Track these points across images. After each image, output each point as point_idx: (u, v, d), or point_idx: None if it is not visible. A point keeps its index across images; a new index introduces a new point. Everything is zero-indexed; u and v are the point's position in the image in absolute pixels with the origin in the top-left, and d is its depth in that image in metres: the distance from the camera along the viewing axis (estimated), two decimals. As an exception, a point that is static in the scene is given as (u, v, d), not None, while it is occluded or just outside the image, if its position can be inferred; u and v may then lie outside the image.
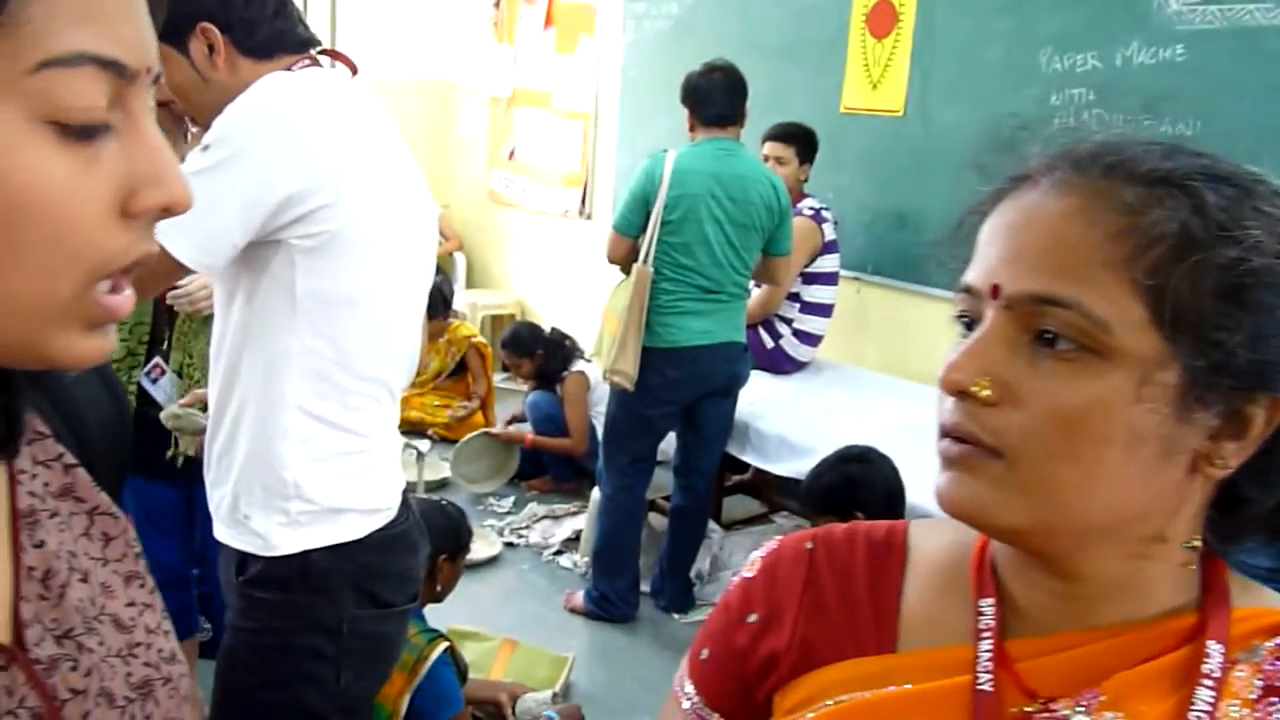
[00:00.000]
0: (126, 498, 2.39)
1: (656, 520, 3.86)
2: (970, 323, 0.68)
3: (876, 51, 4.12)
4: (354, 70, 1.62)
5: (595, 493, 3.78)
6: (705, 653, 0.83)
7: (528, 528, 4.26)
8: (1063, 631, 0.69)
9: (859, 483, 2.62)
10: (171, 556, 2.39)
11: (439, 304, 5.17)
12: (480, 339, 5.43)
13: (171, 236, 1.34)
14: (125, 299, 0.53)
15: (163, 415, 1.87)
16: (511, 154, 6.35)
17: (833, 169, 4.16)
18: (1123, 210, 0.63)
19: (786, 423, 3.61)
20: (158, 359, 2.18)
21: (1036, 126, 0.72)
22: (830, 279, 3.96)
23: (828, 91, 4.29)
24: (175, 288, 2.04)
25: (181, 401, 1.84)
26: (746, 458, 3.71)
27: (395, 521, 1.65)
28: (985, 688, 0.68)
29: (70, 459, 0.65)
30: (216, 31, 1.48)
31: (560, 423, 4.61)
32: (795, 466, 3.42)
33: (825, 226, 3.87)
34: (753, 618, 0.80)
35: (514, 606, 3.68)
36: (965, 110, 3.83)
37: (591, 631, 3.54)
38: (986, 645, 0.70)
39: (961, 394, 0.65)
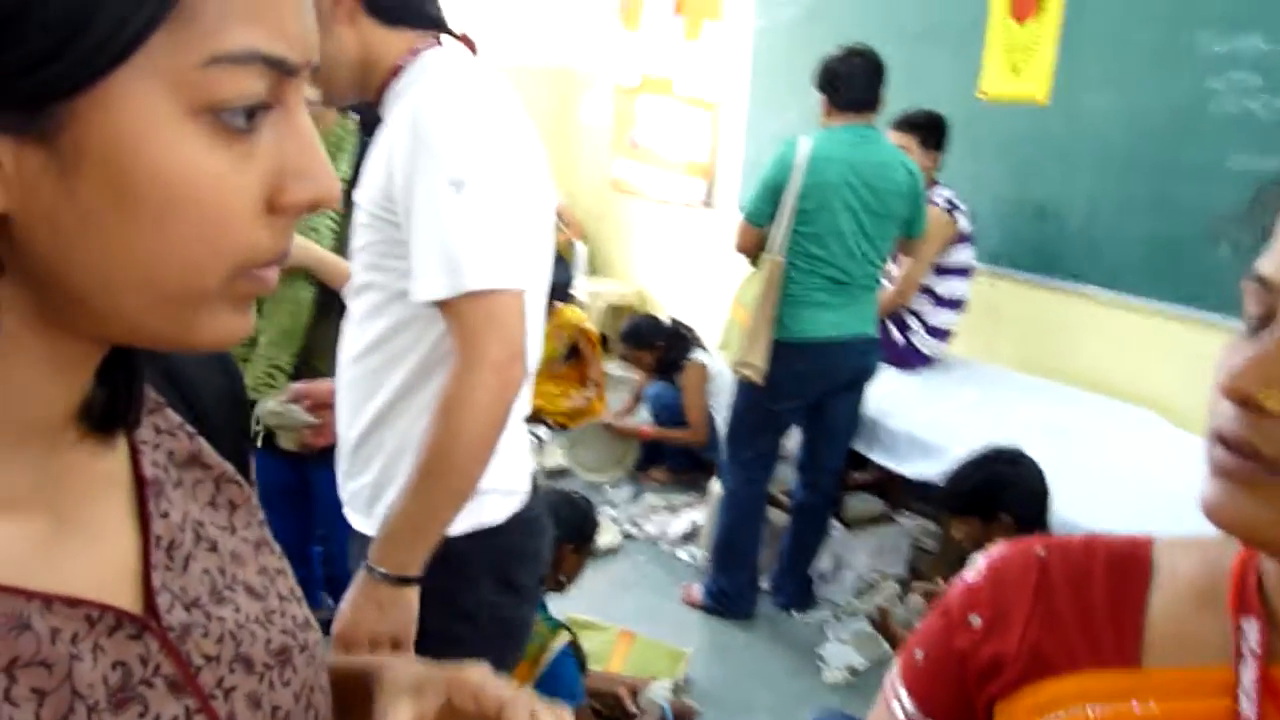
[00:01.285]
0: (259, 476, 2.39)
1: (777, 516, 3.79)
2: (1261, 318, 0.60)
3: (1019, 35, 3.94)
4: (474, 52, 1.61)
5: (715, 486, 3.73)
6: (920, 655, 0.79)
7: (645, 519, 4.23)
8: None
9: (1007, 483, 2.49)
10: (288, 534, 2.41)
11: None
12: (587, 324, 5.40)
13: (491, 274, 1.37)
14: (270, 274, 0.53)
15: (262, 411, 1.88)
16: (634, 142, 6.33)
17: (969, 158, 4.01)
18: None
19: (916, 421, 3.49)
20: None
21: None
22: (963, 272, 3.82)
23: (966, 77, 4.13)
24: None
25: (281, 398, 1.84)
26: (874, 456, 3.60)
27: (528, 505, 1.64)
28: (1248, 714, 0.62)
29: (190, 427, 0.64)
30: None
31: (680, 413, 4.56)
32: (924, 468, 3.31)
33: (959, 217, 3.73)
34: (976, 620, 0.76)
35: (631, 598, 3.66)
36: (1115, 97, 3.63)
37: (709, 626, 3.49)
38: (1250, 669, 0.63)
39: (1245, 403, 0.58)
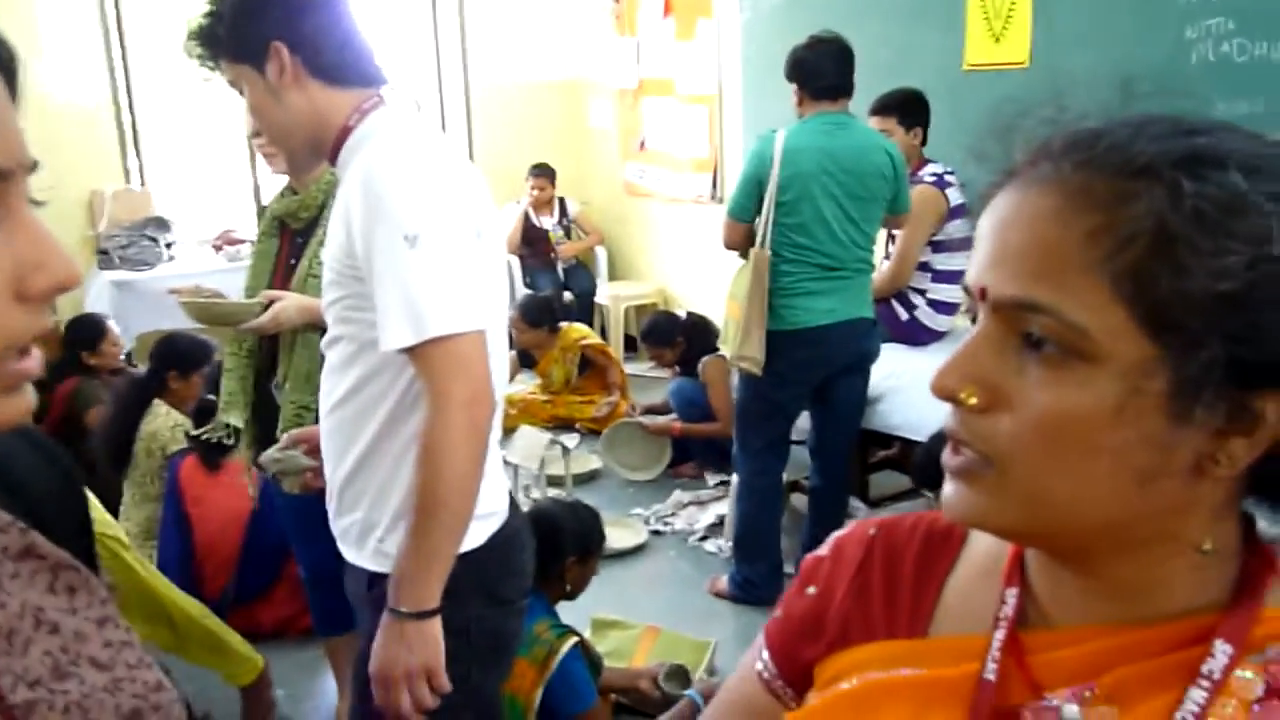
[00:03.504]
0: (281, 504, 2.47)
1: (799, 501, 3.84)
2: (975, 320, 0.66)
3: (997, 3, 3.95)
4: (418, 108, 1.70)
5: (734, 477, 3.79)
6: (779, 615, 0.86)
7: (674, 514, 4.31)
8: (1079, 625, 0.67)
9: None
10: (313, 558, 2.54)
11: (546, 314, 5.27)
12: (590, 339, 5.46)
13: (451, 319, 1.46)
14: (32, 361, 0.59)
15: (263, 459, 1.96)
16: (642, 145, 6.40)
17: (959, 129, 3.99)
18: (1098, 207, 0.59)
19: (924, 393, 3.51)
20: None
21: (1032, 112, 0.68)
22: (962, 244, 3.82)
23: (950, 50, 4.14)
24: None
25: (279, 445, 1.93)
26: (884, 429, 3.65)
27: (506, 523, 1.72)
28: (989, 676, 0.67)
29: (22, 523, 0.69)
30: (286, 51, 1.58)
31: (704, 408, 4.63)
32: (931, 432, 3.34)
33: (950, 192, 3.74)
34: (811, 590, 0.83)
35: (660, 593, 3.74)
36: (1094, 55, 3.62)
37: (736, 615, 3.56)
38: (1000, 634, 0.69)
39: (949, 399, 0.64)
